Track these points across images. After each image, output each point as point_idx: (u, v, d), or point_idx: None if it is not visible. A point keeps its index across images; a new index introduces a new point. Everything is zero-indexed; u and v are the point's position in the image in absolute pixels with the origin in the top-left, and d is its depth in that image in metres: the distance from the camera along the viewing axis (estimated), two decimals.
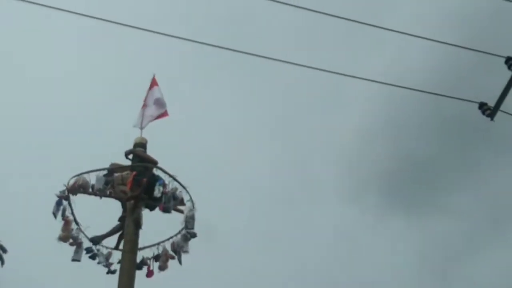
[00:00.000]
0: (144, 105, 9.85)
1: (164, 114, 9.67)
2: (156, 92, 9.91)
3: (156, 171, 8.59)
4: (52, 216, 8.23)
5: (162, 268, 8.74)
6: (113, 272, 8.54)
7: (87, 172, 8.49)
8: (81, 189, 8.36)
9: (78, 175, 8.44)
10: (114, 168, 8.77)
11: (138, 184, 8.26)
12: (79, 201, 8.62)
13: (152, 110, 9.71)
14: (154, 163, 8.84)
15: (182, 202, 8.73)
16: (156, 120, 9.70)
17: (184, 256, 8.82)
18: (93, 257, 8.68)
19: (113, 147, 9.59)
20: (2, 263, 13.02)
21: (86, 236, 8.68)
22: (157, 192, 8.19)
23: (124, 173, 8.45)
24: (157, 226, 9.14)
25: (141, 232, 8.45)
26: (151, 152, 9.14)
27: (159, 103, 9.76)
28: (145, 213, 8.58)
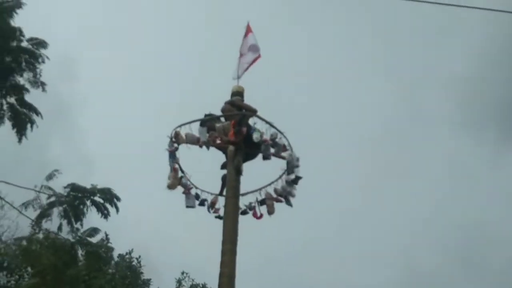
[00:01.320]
0: (241, 55, 9.93)
1: (257, 57, 9.70)
2: (250, 39, 9.94)
3: (252, 119, 8.75)
4: (157, 166, 8.77)
5: (270, 212, 9.05)
6: (221, 217, 8.90)
7: (189, 123, 8.85)
8: (185, 140, 8.74)
9: (179, 126, 8.82)
10: (214, 118, 9.07)
11: (239, 133, 8.48)
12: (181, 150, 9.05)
13: (247, 58, 9.78)
14: (253, 111, 9.00)
15: (284, 149, 8.90)
16: (253, 67, 9.75)
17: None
18: (202, 204, 9.15)
19: (212, 99, 9.81)
20: (117, 210, 14.48)
21: (192, 184, 9.16)
22: (256, 137, 8.37)
23: (226, 123, 8.69)
24: (258, 172, 9.42)
25: (244, 179, 8.76)
26: (248, 100, 9.31)
27: (254, 49, 9.80)
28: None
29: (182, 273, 31.64)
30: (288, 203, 9.00)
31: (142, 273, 26.78)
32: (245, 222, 8.71)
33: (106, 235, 27.36)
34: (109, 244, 27.29)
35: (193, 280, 30.52)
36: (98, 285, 24.13)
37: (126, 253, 27.29)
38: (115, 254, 27.52)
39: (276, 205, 9.08)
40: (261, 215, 8.99)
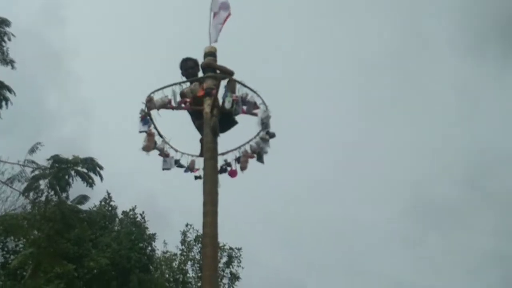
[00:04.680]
0: (214, 14, 9.75)
1: (228, 16, 9.51)
2: None
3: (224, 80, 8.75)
4: (138, 133, 8.83)
5: (243, 168, 9.18)
6: (200, 177, 9.05)
7: (162, 88, 8.85)
8: (159, 105, 8.78)
9: (153, 92, 8.84)
10: (189, 80, 9.09)
11: (209, 95, 8.52)
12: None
13: (220, 17, 9.60)
14: (229, 73, 8.96)
15: (255, 106, 8.93)
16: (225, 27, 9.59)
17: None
18: (180, 166, 9.31)
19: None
20: (101, 179, 15.01)
21: (172, 147, 9.28)
22: (227, 104, 8.41)
23: (193, 85, 8.72)
24: (237, 131, 9.52)
25: (225, 139, 8.86)
26: (220, 60, 9.25)
27: (224, 6, 9.60)
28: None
29: (186, 225, 32.52)
30: (260, 160, 9.11)
31: (147, 228, 27.44)
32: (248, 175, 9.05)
33: (108, 194, 27.93)
34: (111, 203, 27.93)
35: (197, 231, 31.38)
36: (105, 243, 24.85)
37: (130, 210, 27.89)
38: (119, 211, 28.17)
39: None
40: (235, 171, 9.12)
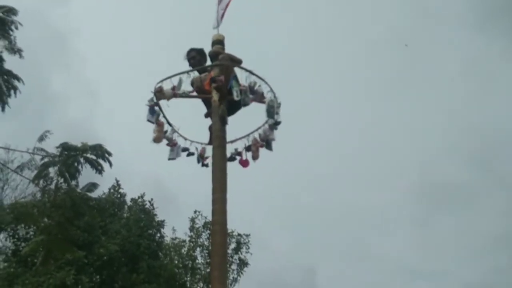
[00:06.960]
0: (219, 1, 9.76)
1: (229, 1, 9.49)
2: None
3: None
4: (148, 123, 8.88)
5: (255, 157, 9.17)
6: (207, 165, 9.12)
7: (171, 77, 8.89)
8: (167, 94, 8.83)
9: (162, 80, 8.88)
10: (196, 69, 9.13)
11: (215, 82, 8.54)
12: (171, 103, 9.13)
13: (222, 3, 9.59)
14: (237, 61, 8.97)
15: (263, 96, 8.95)
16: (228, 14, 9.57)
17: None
18: (190, 154, 9.37)
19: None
20: (111, 165, 15.07)
21: (181, 135, 9.34)
22: (236, 95, 8.43)
23: (203, 74, 8.74)
24: (247, 118, 9.55)
25: (233, 125, 8.90)
26: (228, 48, 9.27)
27: None
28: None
29: (195, 211, 32.67)
30: (269, 147, 9.12)
31: (156, 215, 27.60)
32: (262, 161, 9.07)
33: (117, 181, 28.05)
34: (120, 190, 28.06)
35: (206, 217, 31.55)
36: (114, 230, 25.05)
37: (139, 197, 28.02)
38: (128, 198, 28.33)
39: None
40: (247, 161, 9.15)
